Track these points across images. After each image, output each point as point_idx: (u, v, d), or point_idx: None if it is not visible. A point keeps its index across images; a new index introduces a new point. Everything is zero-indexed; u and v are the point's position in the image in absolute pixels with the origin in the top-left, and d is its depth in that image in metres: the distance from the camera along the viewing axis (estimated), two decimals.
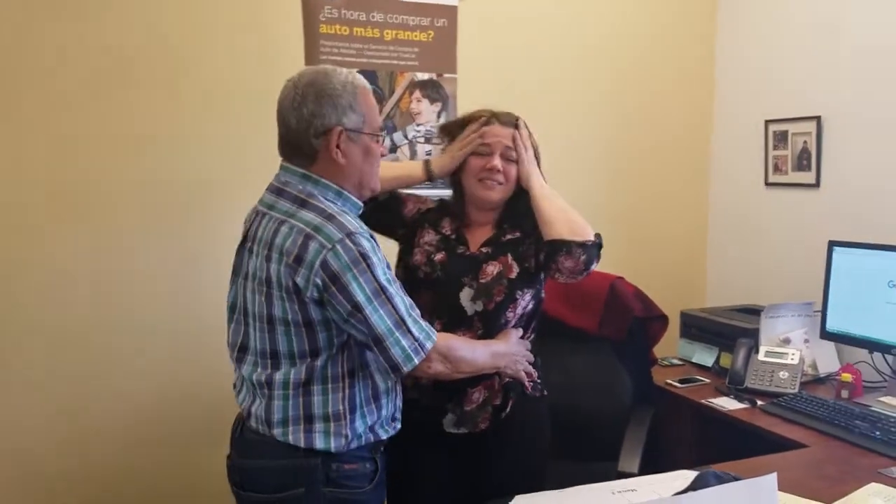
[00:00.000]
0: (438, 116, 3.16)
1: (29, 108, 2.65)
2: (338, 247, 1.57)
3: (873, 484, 1.95)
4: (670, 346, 3.23)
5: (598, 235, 1.96)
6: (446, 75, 3.18)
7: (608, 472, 2.35)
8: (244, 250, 1.76)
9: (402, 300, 1.66)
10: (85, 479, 2.80)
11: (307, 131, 1.64)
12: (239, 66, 2.90)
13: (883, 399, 2.60)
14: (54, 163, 2.69)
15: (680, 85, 3.62)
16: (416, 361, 1.66)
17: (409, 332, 1.65)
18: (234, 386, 1.85)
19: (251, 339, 1.71)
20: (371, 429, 1.74)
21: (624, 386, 2.78)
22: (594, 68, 3.46)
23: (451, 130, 2.11)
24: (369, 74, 3.07)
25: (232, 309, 1.78)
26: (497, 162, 1.96)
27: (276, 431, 1.67)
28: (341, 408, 1.68)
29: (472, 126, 2.03)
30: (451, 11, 3.15)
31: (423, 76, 3.15)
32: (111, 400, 2.82)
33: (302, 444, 1.67)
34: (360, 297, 1.58)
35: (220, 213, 2.82)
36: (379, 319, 1.60)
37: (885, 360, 2.70)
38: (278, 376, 1.66)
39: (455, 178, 2.09)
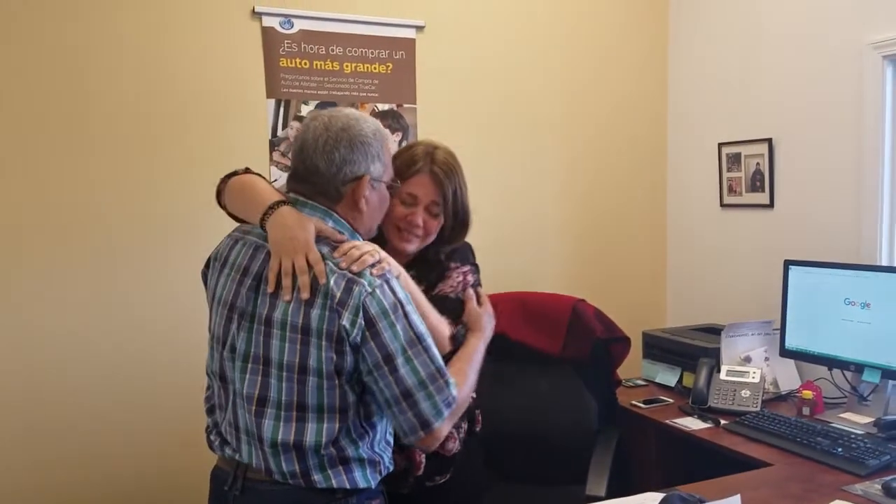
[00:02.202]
0: (399, 146, 3.18)
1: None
2: (377, 291, 1.53)
3: (837, 501, 1.97)
4: (634, 367, 3.26)
5: (454, 338, 1.81)
6: (406, 105, 3.22)
7: (576, 495, 2.36)
8: (243, 286, 1.62)
9: (437, 351, 1.60)
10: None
11: (336, 176, 1.61)
12: (200, 100, 2.90)
13: (843, 415, 2.65)
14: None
15: (634, 111, 3.69)
16: (446, 415, 1.59)
17: (447, 384, 1.59)
18: (216, 434, 1.72)
19: (272, 389, 1.57)
20: (384, 472, 1.70)
21: (589, 408, 2.79)
22: (550, 96, 3.52)
23: None
24: (330, 106, 3.09)
25: (245, 358, 1.61)
26: (419, 218, 1.83)
27: (317, 478, 1.57)
28: (369, 452, 1.63)
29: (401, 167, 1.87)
30: (408, 44, 3.19)
31: (383, 107, 3.18)
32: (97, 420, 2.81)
33: (347, 485, 1.59)
34: (394, 346, 1.53)
35: (187, 243, 2.81)
36: (411, 371, 1.54)
37: (844, 376, 2.75)
38: (308, 438, 1.56)
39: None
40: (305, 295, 1.52)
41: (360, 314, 1.51)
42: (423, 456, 1.87)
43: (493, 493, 2.74)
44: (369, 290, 1.52)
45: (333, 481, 1.58)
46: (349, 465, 1.60)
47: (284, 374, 1.55)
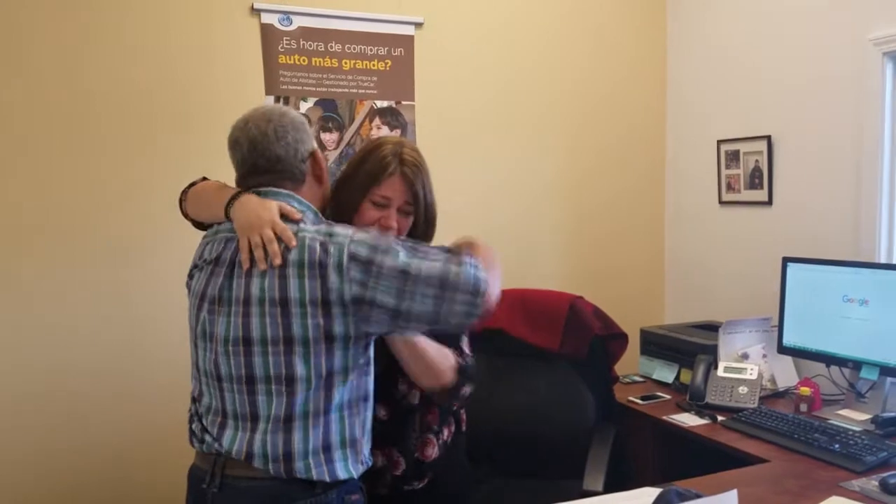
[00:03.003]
0: None
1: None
2: (355, 237, 1.57)
3: (834, 497, 1.97)
4: (631, 364, 3.27)
5: (459, 369, 1.77)
6: (405, 102, 3.22)
7: (573, 490, 2.36)
8: (217, 276, 1.66)
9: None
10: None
11: (296, 157, 1.69)
12: (199, 96, 2.91)
13: (841, 412, 2.65)
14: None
15: (633, 108, 3.69)
16: (483, 272, 1.60)
17: (460, 254, 1.62)
18: (198, 422, 1.73)
19: (256, 367, 1.59)
20: (365, 464, 1.71)
21: (587, 404, 2.79)
22: (548, 93, 3.52)
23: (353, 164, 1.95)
24: (329, 103, 3.10)
25: (225, 342, 1.63)
26: (394, 221, 1.81)
27: (298, 465, 1.59)
28: (358, 433, 1.66)
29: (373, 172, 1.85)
30: (407, 41, 3.20)
31: (382, 104, 3.18)
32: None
33: (327, 478, 1.60)
34: (402, 259, 1.54)
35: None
36: (431, 265, 1.56)
37: (842, 373, 2.75)
38: (297, 405, 1.58)
39: (346, 219, 1.84)
40: (277, 261, 1.55)
41: (350, 265, 1.53)
42: (401, 457, 1.87)
43: (490, 488, 2.76)
44: (347, 240, 1.56)
45: (314, 471, 1.59)
46: (331, 454, 1.61)
47: (270, 349, 1.57)
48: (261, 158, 1.69)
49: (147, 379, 2.89)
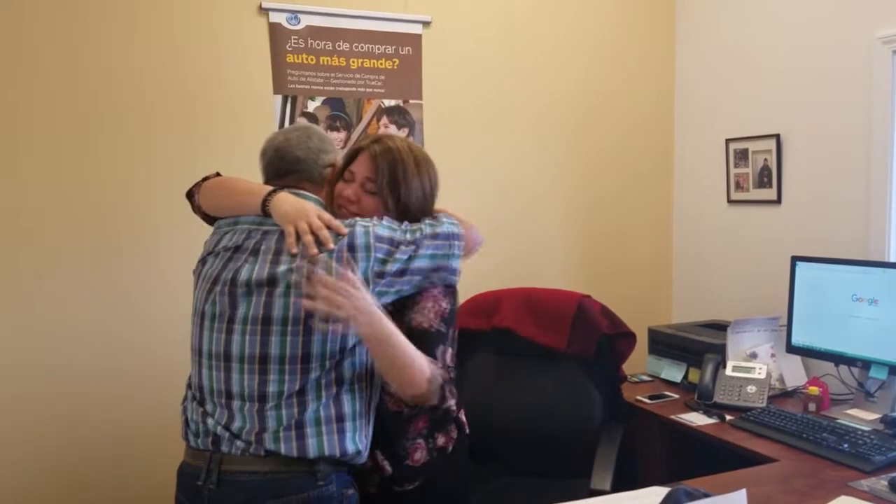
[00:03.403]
0: None
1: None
2: (375, 219, 1.73)
3: (843, 497, 1.96)
4: (639, 363, 3.26)
5: (431, 380, 1.71)
6: (412, 101, 3.22)
7: (580, 489, 2.35)
8: (237, 261, 1.72)
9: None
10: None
11: (316, 162, 1.84)
12: (207, 95, 2.92)
13: (850, 412, 2.64)
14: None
15: (641, 106, 3.68)
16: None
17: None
18: (199, 410, 1.74)
19: (272, 347, 1.66)
20: (367, 445, 1.75)
21: (594, 403, 2.79)
22: (556, 92, 3.51)
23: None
24: (337, 102, 3.10)
25: (255, 321, 1.68)
26: (351, 191, 1.84)
27: (310, 432, 1.65)
28: (364, 408, 1.73)
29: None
30: (415, 39, 3.20)
31: (389, 102, 3.18)
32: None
33: (337, 450, 1.66)
34: (409, 235, 1.74)
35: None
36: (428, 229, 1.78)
37: (851, 372, 2.74)
38: (311, 381, 1.66)
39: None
40: (331, 246, 1.65)
41: (375, 245, 1.68)
42: (387, 461, 1.87)
43: (497, 486, 2.76)
44: (370, 224, 1.71)
45: (325, 444, 1.65)
46: (343, 424, 1.68)
47: (290, 328, 1.65)
48: (282, 162, 1.84)
49: (147, 378, 2.89)
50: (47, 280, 2.76)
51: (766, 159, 3.23)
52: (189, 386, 1.82)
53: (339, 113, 3.11)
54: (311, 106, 3.06)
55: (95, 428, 2.85)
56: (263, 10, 2.98)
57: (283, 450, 1.63)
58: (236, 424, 1.67)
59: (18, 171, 2.71)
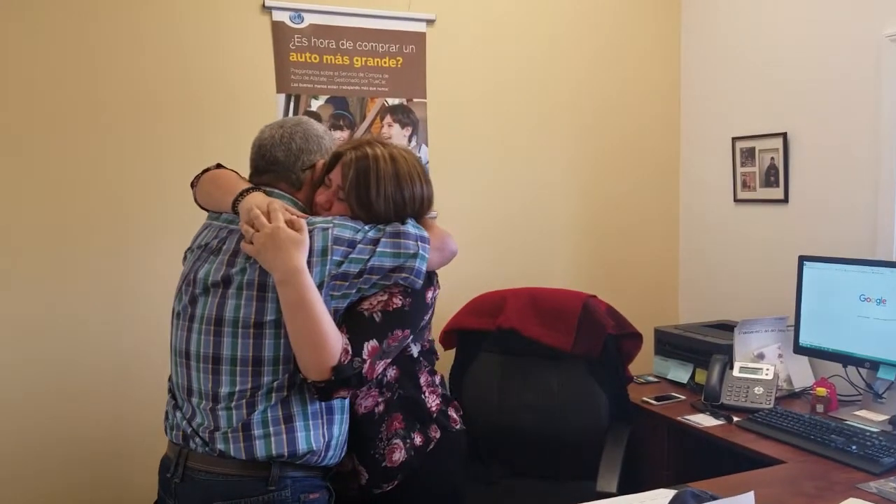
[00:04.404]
0: (409, 140, 3.18)
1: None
2: (337, 219, 1.71)
3: (851, 499, 1.95)
4: (645, 364, 3.24)
5: (337, 370, 1.62)
6: (416, 100, 3.21)
7: (586, 491, 2.34)
8: (203, 261, 1.74)
9: None
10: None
11: (295, 164, 1.81)
12: (210, 94, 2.91)
13: (858, 413, 2.62)
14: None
15: (647, 105, 3.66)
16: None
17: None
18: (172, 402, 1.79)
19: (224, 348, 1.67)
20: (329, 445, 1.73)
21: (600, 404, 2.78)
22: (561, 90, 3.49)
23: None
24: (340, 101, 3.09)
25: (209, 321, 1.69)
26: (324, 197, 1.82)
27: (258, 433, 1.64)
28: (318, 407, 1.71)
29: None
30: (419, 38, 3.18)
31: (393, 101, 3.17)
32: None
33: (285, 450, 1.64)
34: (371, 234, 1.71)
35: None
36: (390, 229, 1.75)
37: (859, 373, 2.71)
38: (264, 384, 1.65)
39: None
40: (288, 216, 1.63)
41: (334, 249, 1.65)
42: (362, 466, 1.87)
43: (502, 488, 2.75)
44: (329, 225, 1.67)
45: (273, 444, 1.64)
46: (292, 424, 1.66)
47: (240, 330, 1.66)
48: (262, 160, 1.83)
49: (147, 376, 2.88)
50: (48, 278, 2.75)
51: (772, 158, 3.21)
52: (169, 379, 1.86)
53: (343, 112, 3.09)
54: (315, 104, 3.05)
55: (96, 426, 2.84)
56: (266, 9, 2.96)
57: (231, 451, 1.65)
58: (196, 421, 1.71)
59: (21, 169, 2.70)
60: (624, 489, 2.30)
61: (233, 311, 1.66)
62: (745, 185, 3.37)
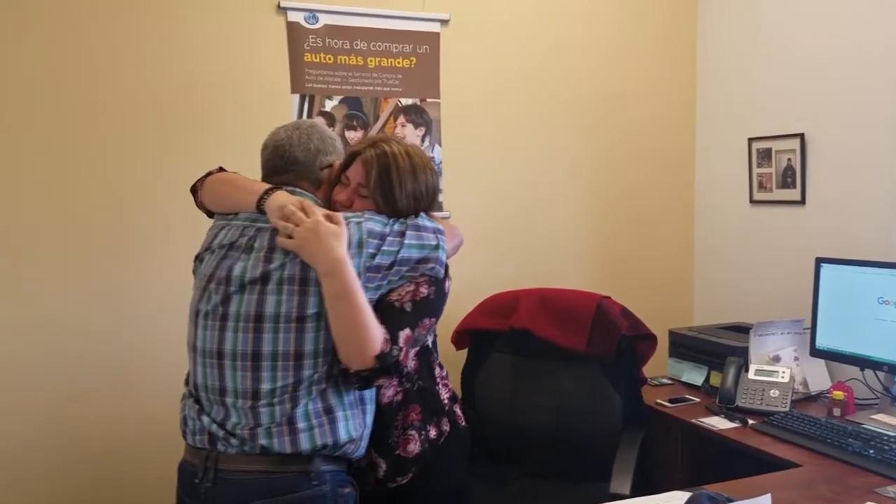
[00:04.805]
0: (423, 141, 3.17)
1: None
2: (366, 213, 1.77)
3: None
4: (660, 366, 3.22)
5: (380, 358, 1.66)
6: (430, 100, 3.20)
7: (600, 493, 2.33)
8: (231, 259, 1.74)
9: None
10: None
11: (314, 163, 1.85)
12: (225, 94, 2.91)
13: (875, 417, 2.59)
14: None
15: (662, 105, 3.64)
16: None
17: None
18: (196, 407, 1.76)
19: (265, 344, 1.67)
20: (363, 435, 1.77)
21: (614, 406, 2.76)
22: (578, 91, 3.48)
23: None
24: (354, 101, 3.09)
25: (247, 318, 1.69)
26: (344, 195, 1.86)
27: (302, 426, 1.66)
28: (354, 397, 1.74)
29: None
30: (433, 38, 3.18)
31: (407, 101, 3.17)
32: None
33: (329, 440, 1.68)
34: (397, 227, 1.78)
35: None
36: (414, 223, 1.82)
37: (877, 376, 2.69)
38: (305, 378, 1.67)
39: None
40: (324, 210, 1.69)
41: (368, 241, 1.70)
42: (381, 458, 1.90)
43: (516, 489, 2.74)
44: (361, 218, 1.73)
45: (317, 435, 1.67)
46: (333, 415, 1.69)
47: (282, 325, 1.67)
48: (280, 161, 1.85)
49: (150, 377, 2.88)
50: (53, 279, 2.75)
51: (789, 159, 3.18)
52: (186, 383, 1.84)
53: (357, 112, 3.09)
54: (329, 105, 3.05)
55: (97, 427, 2.83)
56: (282, 10, 2.97)
57: (276, 445, 1.65)
58: (231, 421, 1.70)
59: (29, 169, 2.71)
60: (637, 491, 2.28)
61: (274, 307, 1.66)
62: (761, 187, 3.35)
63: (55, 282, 2.76)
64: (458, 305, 2.63)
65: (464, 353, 2.97)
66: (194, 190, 1.93)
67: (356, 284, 1.64)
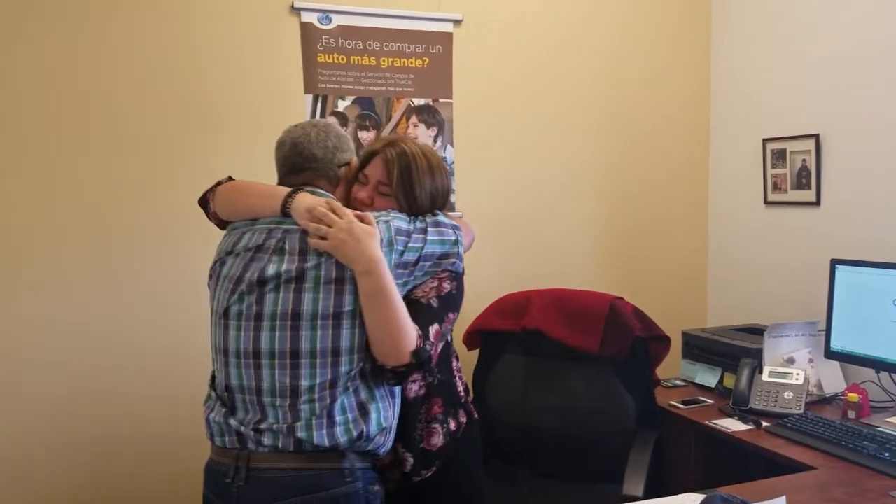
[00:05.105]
0: (435, 141, 3.17)
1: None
2: (391, 212, 1.81)
3: None
4: (673, 367, 3.20)
5: (416, 354, 1.70)
6: (442, 100, 3.20)
7: (612, 494, 2.32)
8: (260, 261, 1.74)
9: None
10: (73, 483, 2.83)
11: (332, 160, 1.87)
12: (238, 95, 2.92)
13: (891, 419, 2.56)
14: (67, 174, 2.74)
15: (676, 105, 3.62)
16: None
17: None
18: (223, 409, 1.76)
19: (303, 341, 1.69)
20: (391, 427, 1.80)
21: (627, 407, 2.76)
22: (591, 91, 3.47)
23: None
24: (366, 101, 3.09)
25: (283, 317, 1.70)
26: (365, 193, 1.90)
27: (339, 420, 1.69)
28: (383, 391, 1.77)
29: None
30: (446, 38, 3.18)
31: (419, 101, 3.16)
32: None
33: (363, 429, 1.70)
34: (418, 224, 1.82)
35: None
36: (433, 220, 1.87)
37: (892, 379, 2.67)
38: (342, 374, 1.69)
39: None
40: (355, 211, 1.71)
41: (395, 238, 1.73)
42: (407, 452, 1.92)
43: (528, 490, 2.73)
44: (387, 217, 1.77)
45: (353, 430, 1.69)
46: (366, 408, 1.72)
47: (319, 322, 1.68)
48: (299, 157, 1.86)
49: (163, 377, 2.90)
50: (65, 279, 2.77)
51: (804, 160, 3.16)
52: (212, 386, 1.84)
53: (369, 112, 3.09)
54: (341, 105, 3.05)
55: (111, 427, 2.85)
56: (295, 10, 2.97)
57: (314, 439, 1.67)
58: (268, 421, 1.70)
59: (43, 169, 2.73)
60: (650, 493, 2.27)
61: (311, 305, 1.68)
62: (775, 187, 3.33)
63: (57, 281, 2.77)
64: (469, 306, 2.61)
65: (475, 353, 2.97)
66: (204, 201, 1.93)
67: (392, 282, 1.68)
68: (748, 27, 3.46)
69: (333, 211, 1.69)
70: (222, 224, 1.92)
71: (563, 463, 2.79)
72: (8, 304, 2.72)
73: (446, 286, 1.84)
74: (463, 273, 1.91)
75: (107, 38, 2.76)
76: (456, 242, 1.84)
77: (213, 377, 1.84)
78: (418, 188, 1.87)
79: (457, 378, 2.04)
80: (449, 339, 2.01)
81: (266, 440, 1.68)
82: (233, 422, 1.72)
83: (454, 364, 2.05)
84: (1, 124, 2.68)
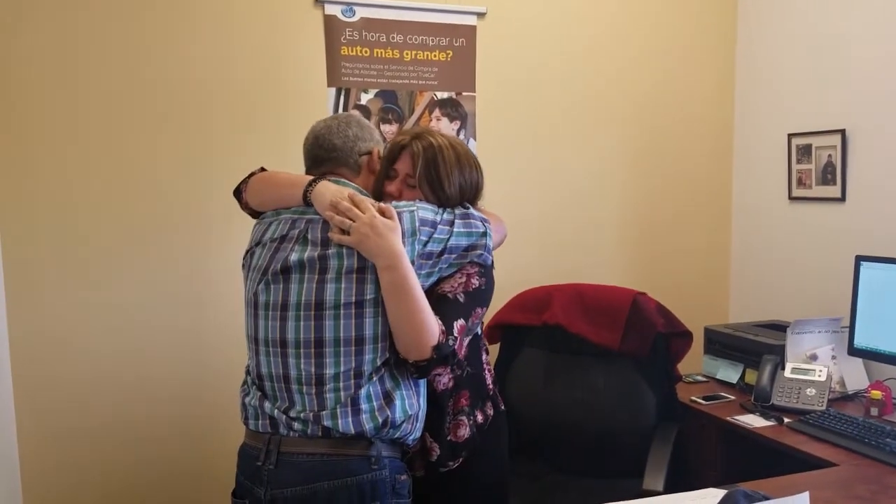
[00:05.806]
0: (458, 134, 3.17)
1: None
2: (417, 202, 1.81)
3: None
4: (694, 363, 3.19)
5: (438, 349, 1.71)
6: (465, 93, 3.20)
7: (633, 489, 2.32)
8: (284, 251, 1.78)
9: None
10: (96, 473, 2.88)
11: (353, 150, 1.92)
12: (262, 88, 2.94)
13: None
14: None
15: (700, 100, 3.60)
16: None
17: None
18: (258, 394, 1.81)
19: (327, 331, 1.72)
20: (417, 416, 1.81)
21: (648, 403, 2.75)
22: (615, 85, 3.45)
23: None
24: (389, 94, 3.10)
25: (307, 307, 1.72)
26: (392, 187, 1.91)
27: (364, 408, 1.71)
28: (408, 380, 1.79)
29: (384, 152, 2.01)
30: (469, 31, 3.17)
31: (442, 95, 3.17)
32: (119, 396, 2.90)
33: (389, 416, 1.72)
34: (446, 216, 1.83)
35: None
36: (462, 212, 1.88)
37: None
38: (366, 363, 1.72)
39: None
40: (377, 205, 1.73)
41: (420, 229, 1.74)
42: (435, 442, 1.94)
43: (548, 484, 2.73)
44: (413, 207, 1.77)
45: (378, 417, 1.72)
46: (391, 396, 1.74)
47: (342, 311, 1.71)
48: (321, 149, 1.92)
49: (205, 362, 2.96)
50: (118, 270, 2.84)
51: (830, 155, 3.13)
52: (248, 372, 1.88)
53: (392, 105, 3.10)
54: (364, 98, 3.06)
55: (158, 409, 2.92)
56: (319, 3, 2.98)
57: (340, 426, 1.70)
58: (296, 409, 1.74)
59: (84, 167, 2.77)
60: (671, 488, 2.27)
61: (333, 294, 1.71)
62: (800, 183, 3.30)
63: (116, 270, 2.84)
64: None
65: (495, 348, 2.97)
66: (238, 192, 1.98)
67: (414, 276, 1.70)
68: (773, 21, 3.43)
69: (356, 205, 1.71)
70: (255, 214, 1.96)
71: (583, 458, 2.79)
72: (73, 289, 2.79)
73: (475, 282, 1.85)
74: (492, 266, 1.92)
75: (138, 40, 2.80)
76: (484, 234, 1.85)
77: (248, 364, 1.88)
78: (445, 181, 1.87)
79: (486, 371, 2.06)
80: (479, 332, 2.02)
81: (296, 426, 1.72)
82: (267, 405, 1.77)
83: (483, 357, 2.06)
84: (56, 109, 2.74)
